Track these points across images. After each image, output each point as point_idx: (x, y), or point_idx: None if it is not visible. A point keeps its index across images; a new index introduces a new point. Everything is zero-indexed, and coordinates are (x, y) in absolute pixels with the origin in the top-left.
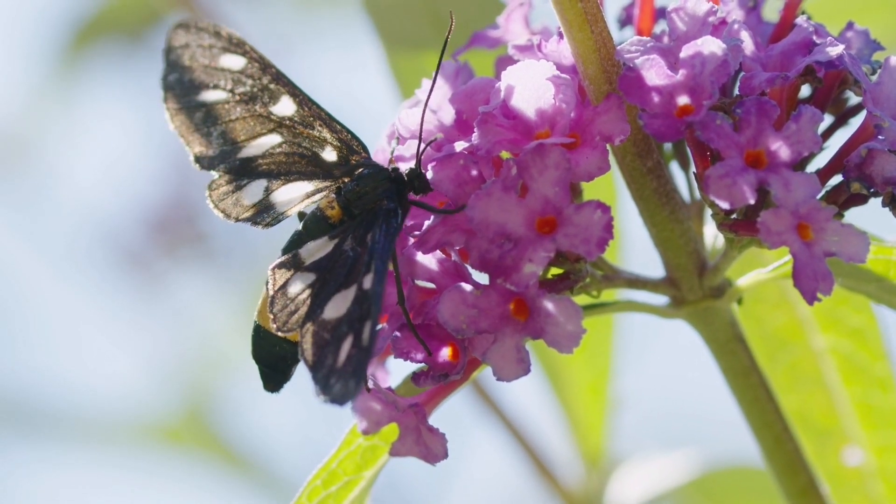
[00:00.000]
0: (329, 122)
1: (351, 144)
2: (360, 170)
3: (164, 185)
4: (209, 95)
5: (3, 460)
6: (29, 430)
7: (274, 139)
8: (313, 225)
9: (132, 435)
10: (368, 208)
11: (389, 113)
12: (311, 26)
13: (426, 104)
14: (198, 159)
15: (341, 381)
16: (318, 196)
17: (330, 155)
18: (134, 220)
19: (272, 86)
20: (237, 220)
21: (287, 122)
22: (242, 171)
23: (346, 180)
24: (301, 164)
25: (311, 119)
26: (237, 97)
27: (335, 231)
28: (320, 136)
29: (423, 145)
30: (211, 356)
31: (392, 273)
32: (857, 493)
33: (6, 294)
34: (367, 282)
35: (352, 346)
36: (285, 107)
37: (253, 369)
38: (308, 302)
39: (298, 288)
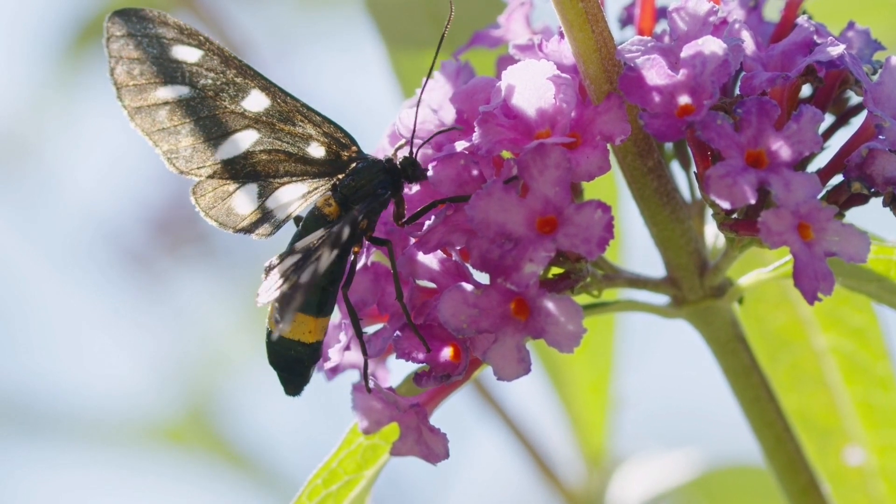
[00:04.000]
0: (309, 114)
1: (338, 138)
2: (355, 164)
3: (164, 185)
4: (168, 92)
5: (4, 460)
6: (30, 431)
7: (250, 136)
8: (311, 223)
9: (134, 435)
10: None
11: (391, 113)
12: (313, 27)
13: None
14: (169, 159)
15: (279, 311)
16: (314, 196)
17: (317, 151)
18: (135, 219)
19: (238, 79)
20: (235, 230)
21: (263, 117)
22: (226, 174)
23: (340, 177)
24: (288, 164)
25: (290, 113)
26: (200, 92)
27: (331, 225)
28: (303, 132)
29: (417, 140)
30: (213, 356)
31: (391, 272)
32: (858, 492)
33: (7, 294)
34: (336, 227)
35: (294, 272)
36: (258, 101)
37: (255, 368)
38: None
39: (286, 264)
